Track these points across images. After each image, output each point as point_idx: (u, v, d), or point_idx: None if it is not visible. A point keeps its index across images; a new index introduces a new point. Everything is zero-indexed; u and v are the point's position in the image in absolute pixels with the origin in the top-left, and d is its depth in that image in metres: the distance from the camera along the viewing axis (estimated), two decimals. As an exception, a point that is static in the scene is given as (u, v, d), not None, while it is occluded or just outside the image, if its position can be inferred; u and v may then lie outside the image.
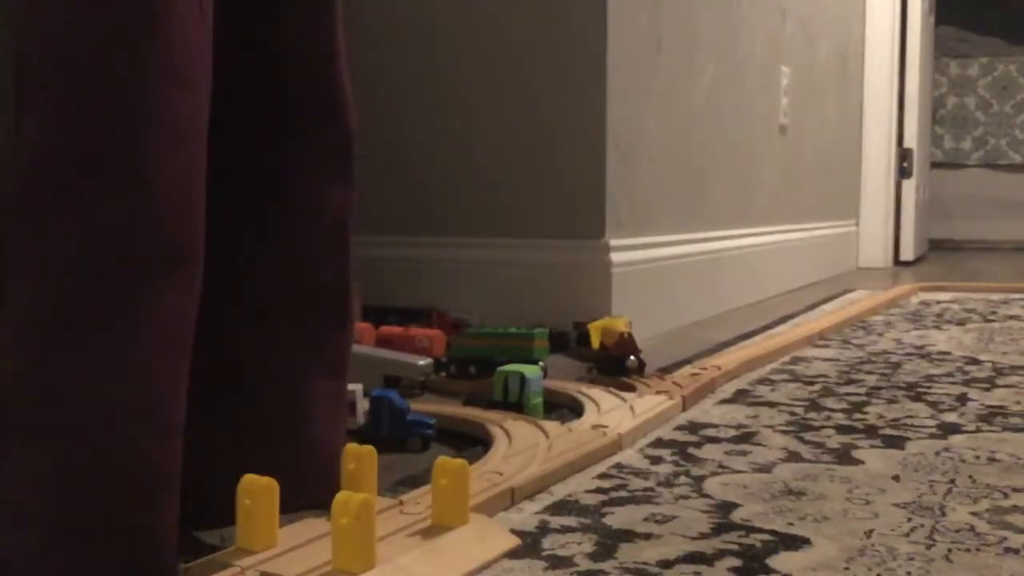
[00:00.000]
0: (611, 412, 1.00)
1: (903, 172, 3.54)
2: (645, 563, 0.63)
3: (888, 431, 0.99)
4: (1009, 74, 5.41)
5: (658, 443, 0.94)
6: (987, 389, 1.22)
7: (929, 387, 1.23)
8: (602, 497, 0.77)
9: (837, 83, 3.13)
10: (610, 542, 0.67)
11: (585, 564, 0.63)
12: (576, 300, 1.55)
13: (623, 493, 0.78)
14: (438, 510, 0.65)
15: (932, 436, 0.97)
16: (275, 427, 0.67)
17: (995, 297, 2.42)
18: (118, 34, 0.53)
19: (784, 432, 0.99)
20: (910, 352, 1.52)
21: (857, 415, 1.07)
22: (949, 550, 0.66)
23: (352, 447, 0.68)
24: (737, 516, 0.72)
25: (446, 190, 1.67)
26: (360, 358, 0.95)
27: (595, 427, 0.94)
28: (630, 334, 1.30)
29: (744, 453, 0.91)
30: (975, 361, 1.44)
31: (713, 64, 2.03)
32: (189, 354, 0.57)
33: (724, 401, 1.15)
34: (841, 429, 1.00)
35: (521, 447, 0.85)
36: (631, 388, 1.14)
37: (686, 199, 1.93)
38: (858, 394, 1.19)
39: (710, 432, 0.99)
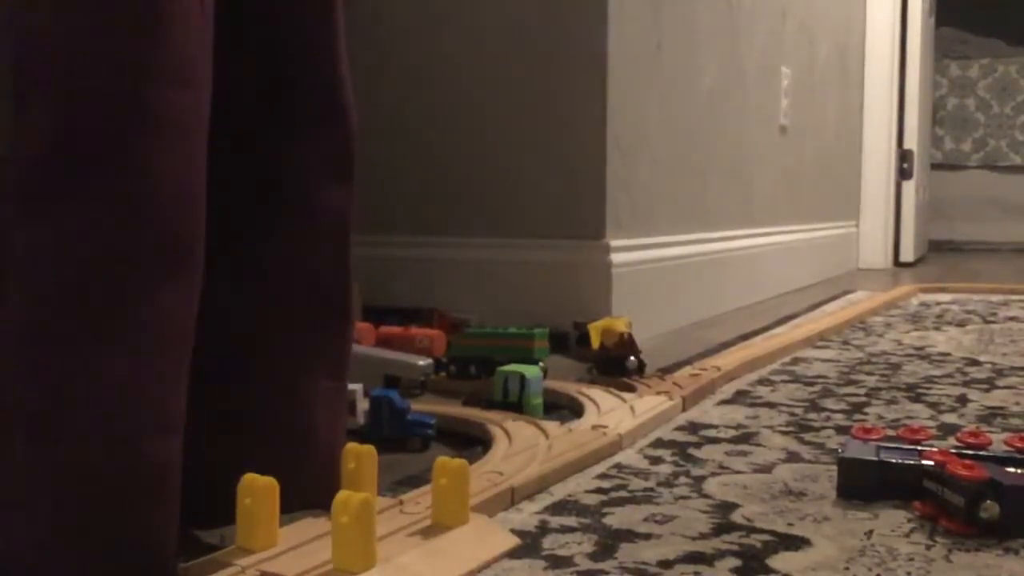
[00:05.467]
0: (611, 412, 1.00)
1: (903, 173, 3.54)
2: (645, 563, 0.63)
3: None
4: (1009, 75, 5.41)
5: (658, 443, 0.94)
6: (987, 390, 1.22)
7: (929, 388, 1.23)
8: (602, 497, 0.77)
9: (837, 84, 3.13)
10: (610, 542, 0.67)
11: (585, 564, 0.63)
12: (576, 300, 1.55)
13: (623, 493, 0.78)
14: (438, 510, 0.65)
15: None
16: (275, 427, 0.67)
17: (995, 298, 2.41)
18: (119, 34, 0.53)
19: (784, 433, 0.99)
20: (910, 353, 1.52)
21: (857, 416, 1.06)
22: (949, 550, 0.66)
23: (352, 447, 0.68)
24: (737, 516, 0.72)
25: (446, 190, 1.67)
26: (360, 358, 0.95)
27: (595, 427, 0.94)
28: (630, 334, 1.30)
29: (744, 453, 0.91)
30: (975, 362, 1.44)
31: (713, 64, 2.03)
32: (189, 354, 0.57)
33: (724, 402, 1.15)
34: (841, 430, 0.99)
35: (521, 447, 0.85)
36: (631, 388, 1.14)
37: (687, 199, 1.93)
38: (858, 395, 1.19)
39: (710, 432, 0.99)
